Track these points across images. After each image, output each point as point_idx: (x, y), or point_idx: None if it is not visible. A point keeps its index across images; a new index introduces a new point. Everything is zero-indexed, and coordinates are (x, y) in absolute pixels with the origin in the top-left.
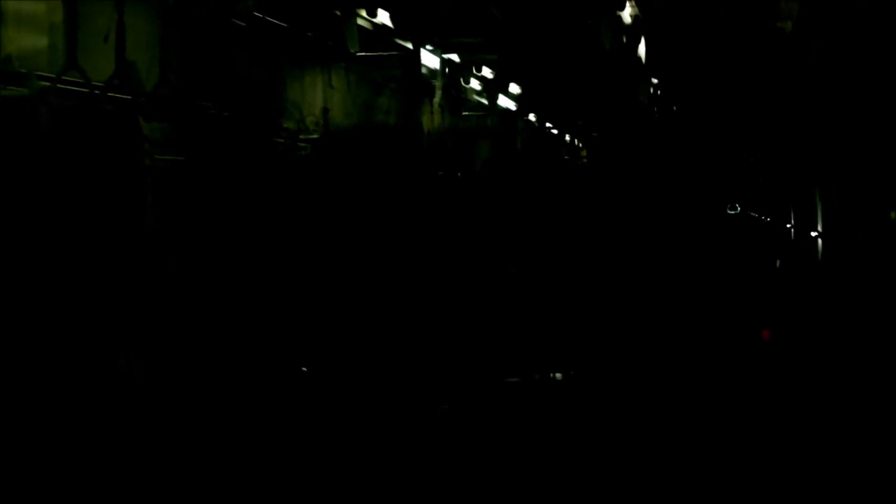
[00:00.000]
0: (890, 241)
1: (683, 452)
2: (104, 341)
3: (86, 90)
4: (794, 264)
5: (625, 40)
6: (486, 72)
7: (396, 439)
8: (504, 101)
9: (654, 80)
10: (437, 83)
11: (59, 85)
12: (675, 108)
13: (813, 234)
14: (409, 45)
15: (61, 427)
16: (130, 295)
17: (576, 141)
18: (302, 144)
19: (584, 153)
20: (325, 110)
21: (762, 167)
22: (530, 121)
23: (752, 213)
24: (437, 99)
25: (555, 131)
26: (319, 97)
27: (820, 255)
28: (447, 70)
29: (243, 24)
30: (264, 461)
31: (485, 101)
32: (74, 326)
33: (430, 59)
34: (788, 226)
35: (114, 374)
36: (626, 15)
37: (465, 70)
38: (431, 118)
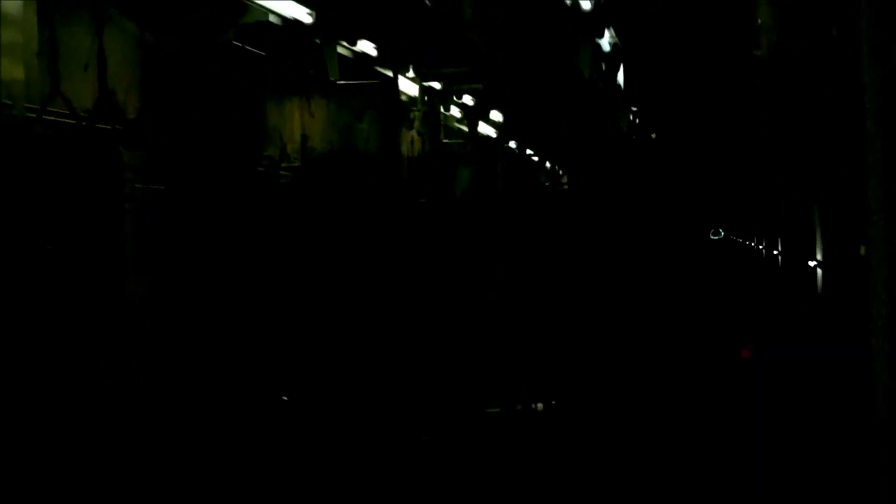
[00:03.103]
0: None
1: (665, 481)
2: (81, 363)
3: (67, 120)
4: (785, 295)
5: (604, 68)
6: (467, 99)
7: (377, 470)
8: (484, 128)
9: (633, 108)
10: (417, 111)
11: (43, 116)
12: (653, 134)
13: (811, 263)
14: (389, 73)
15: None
16: (109, 320)
17: (556, 167)
18: (283, 172)
19: (564, 179)
20: (305, 138)
21: (743, 193)
22: (510, 147)
23: (736, 238)
24: (416, 126)
25: (535, 158)
26: (300, 125)
27: (820, 286)
28: (427, 98)
29: (224, 53)
30: (242, 492)
31: (465, 129)
32: (51, 348)
33: (409, 87)
34: (776, 252)
35: (92, 398)
36: (605, 43)
37: (445, 97)
38: (411, 146)
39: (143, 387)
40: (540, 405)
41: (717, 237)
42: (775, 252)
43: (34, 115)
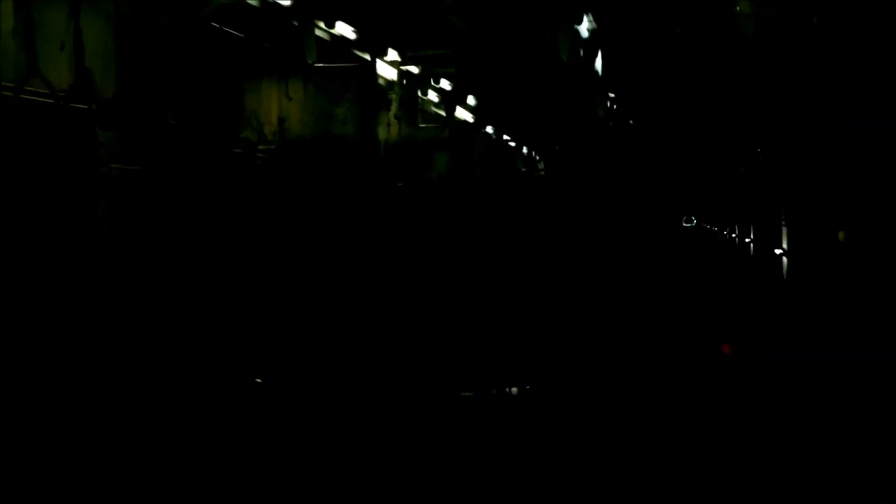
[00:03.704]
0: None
1: (639, 467)
2: (54, 345)
3: (43, 99)
4: (753, 282)
5: (582, 54)
6: (444, 83)
7: (351, 452)
8: (462, 113)
9: (611, 94)
10: (394, 94)
11: (20, 95)
12: (631, 121)
13: (777, 251)
14: (367, 57)
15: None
16: (82, 301)
17: (533, 153)
18: (259, 154)
19: (540, 165)
20: (282, 120)
21: (719, 181)
22: (487, 133)
23: (708, 226)
24: (393, 110)
25: (512, 143)
26: (277, 107)
27: (785, 273)
28: (405, 81)
29: (201, 34)
30: (211, 478)
31: (442, 113)
32: (27, 330)
33: (387, 71)
34: (747, 240)
35: (63, 380)
36: (584, 29)
37: (423, 82)
38: (388, 129)
39: (123, 369)
40: (514, 389)
41: (689, 224)
42: (747, 240)
43: (10, 95)
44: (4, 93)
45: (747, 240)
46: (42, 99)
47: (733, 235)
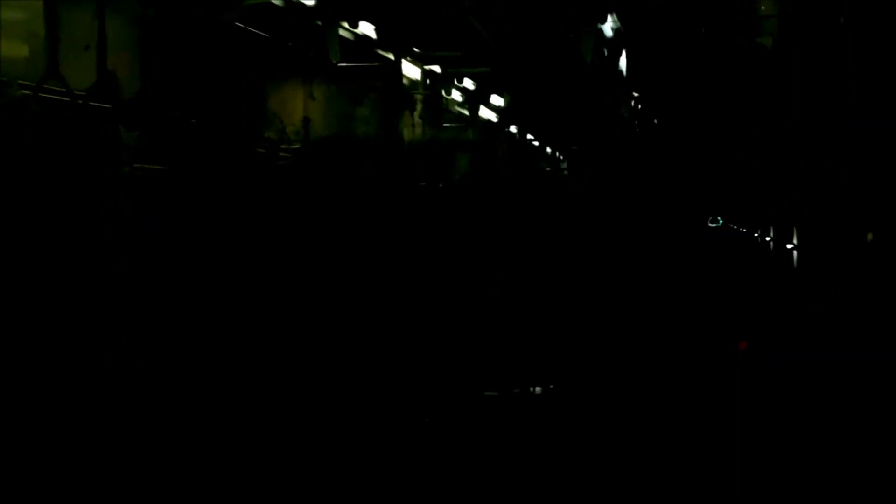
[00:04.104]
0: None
1: (663, 464)
2: (77, 349)
3: (66, 99)
4: (773, 277)
5: (606, 53)
6: (468, 83)
7: (378, 449)
8: (485, 113)
9: (636, 94)
10: (418, 94)
11: (40, 94)
12: (655, 121)
13: (788, 246)
14: (391, 57)
15: (35, 435)
16: (106, 304)
17: (556, 153)
18: (282, 154)
19: (564, 165)
20: (306, 120)
21: (743, 180)
22: (511, 132)
23: (733, 226)
24: (417, 110)
25: (536, 143)
26: (300, 107)
27: (795, 267)
28: (428, 81)
29: (225, 33)
30: (242, 472)
31: (466, 113)
32: (49, 334)
33: (411, 70)
34: (768, 238)
35: (84, 383)
36: (608, 28)
37: (446, 81)
38: (412, 129)
39: (137, 369)
40: (538, 389)
41: (714, 225)
42: (767, 238)
43: (29, 94)
44: (23, 91)
45: (767, 239)
46: (65, 98)
47: (755, 235)
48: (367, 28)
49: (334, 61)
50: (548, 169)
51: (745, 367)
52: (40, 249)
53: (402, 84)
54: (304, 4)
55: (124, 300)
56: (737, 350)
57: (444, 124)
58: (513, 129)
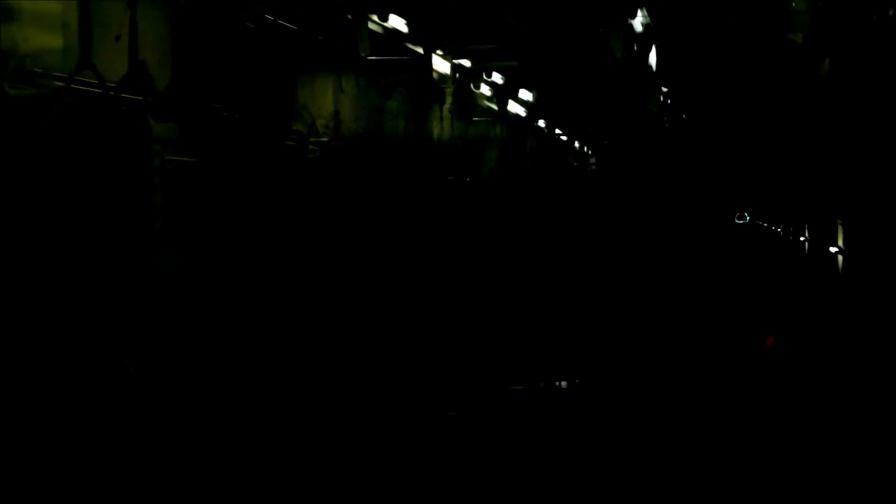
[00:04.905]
0: None
1: (688, 459)
2: (110, 341)
3: (98, 90)
4: (809, 279)
5: (636, 48)
6: (497, 77)
7: (405, 443)
8: (514, 107)
9: (665, 89)
10: (448, 88)
11: (72, 85)
12: (685, 116)
13: (833, 249)
14: (421, 50)
15: (57, 428)
16: (138, 295)
17: (585, 148)
18: (312, 147)
19: (592, 160)
20: (336, 113)
21: (773, 177)
22: (540, 127)
23: (762, 223)
24: (447, 104)
25: (564, 138)
26: (330, 101)
27: (840, 271)
28: (458, 75)
29: (255, 26)
30: (266, 464)
31: (495, 107)
32: (82, 326)
33: (440, 64)
34: (802, 239)
35: (120, 376)
36: (638, 23)
37: (475, 75)
38: (441, 123)
39: (170, 363)
40: (563, 383)
41: (742, 221)
42: (802, 239)
43: (62, 85)
44: (57, 83)
45: (802, 238)
46: (97, 90)
47: (786, 233)
48: (396, 21)
49: (364, 55)
50: (576, 164)
51: (771, 363)
52: (68, 240)
53: (432, 78)
54: None
55: (154, 290)
56: (764, 346)
57: (473, 118)
58: (541, 123)
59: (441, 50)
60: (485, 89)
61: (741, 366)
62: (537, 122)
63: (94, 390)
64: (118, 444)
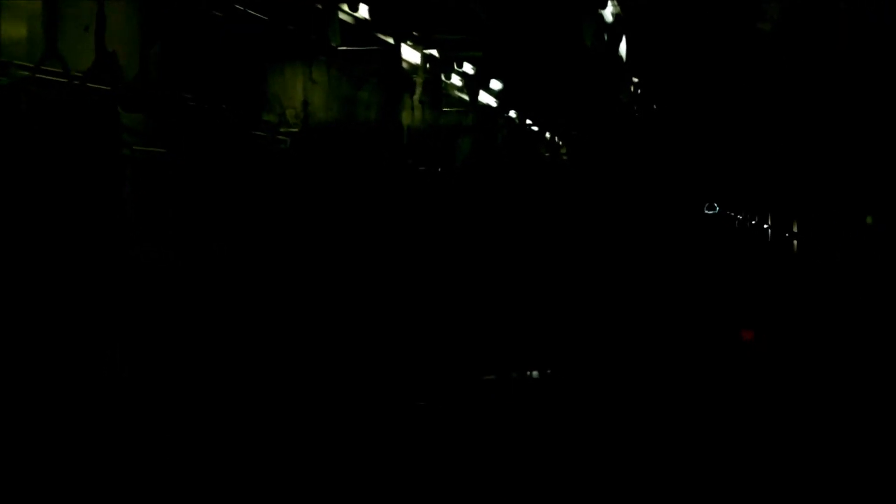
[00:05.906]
0: (865, 244)
1: (661, 449)
2: (78, 334)
3: (65, 80)
4: (772, 264)
5: (606, 39)
6: (468, 68)
7: (375, 434)
8: (485, 98)
9: (635, 79)
10: (418, 79)
11: (38, 75)
12: (655, 106)
13: (786, 234)
14: (391, 40)
15: (38, 427)
16: (108, 286)
17: (556, 138)
18: (282, 137)
19: (563, 150)
20: (306, 104)
21: (741, 167)
22: (511, 117)
23: (730, 213)
24: (417, 94)
25: (535, 128)
26: (300, 91)
27: (795, 254)
28: (428, 66)
29: (225, 16)
30: (244, 459)
31: (466, 98)
32: (47, 319)
33: (411, 55)
34: (765, 226)
35: (93, 367)
36: (608, 13)
37: (446, 66)
38: (412, 113)
39: (140, 355)
40: (535, 373)
41: (711, 212)
42: (765, 226)
43: (28, 74)
44: (21, 73)
45: (765, 226)
46: (64, 80)
47: (751, 221)
48: (367, 11)
49: (334, 45)
50: (547, 154)
51: (749, 356)
52: (37, 232)
53: (402, 68)
54: None
55: (124, 280)
56: (741, 340)
57: (444, 109)
58: (512, 113)
59: (411, 40)
60: (456, 80)
61: (713, 350)
62: (508, 112)
63: (62, 382)
64: (97, 438)
